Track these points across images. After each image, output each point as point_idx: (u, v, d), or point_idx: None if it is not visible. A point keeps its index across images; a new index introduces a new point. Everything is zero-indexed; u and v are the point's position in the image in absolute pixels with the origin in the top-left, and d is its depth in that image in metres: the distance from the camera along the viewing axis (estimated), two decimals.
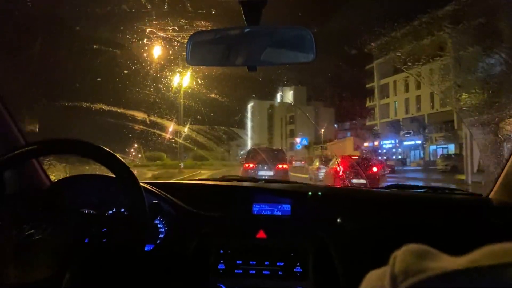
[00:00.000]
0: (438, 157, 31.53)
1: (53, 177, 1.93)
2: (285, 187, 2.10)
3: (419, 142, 33.99)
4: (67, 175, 1.82)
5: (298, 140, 43.45)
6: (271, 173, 13.75)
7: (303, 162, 31.49)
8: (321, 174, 15.24)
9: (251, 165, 13.90)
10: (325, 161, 16.49)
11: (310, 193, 1.97)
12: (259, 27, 1.31)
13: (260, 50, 1.37)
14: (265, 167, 13.93)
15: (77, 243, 1.25)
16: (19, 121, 1.82)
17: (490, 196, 1.86)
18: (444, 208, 1.83)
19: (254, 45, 1.37)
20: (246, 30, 1.33)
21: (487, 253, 0.37)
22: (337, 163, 12.82)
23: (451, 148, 32.87)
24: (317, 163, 17.78)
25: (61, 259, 1.19)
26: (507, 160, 1.77)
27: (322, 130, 44.16)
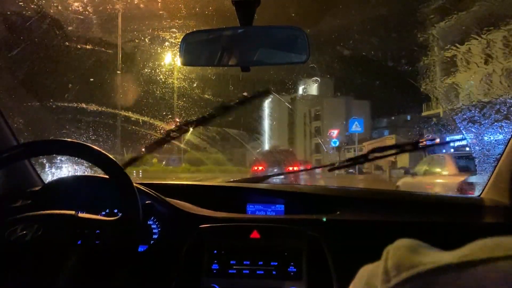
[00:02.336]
0: None
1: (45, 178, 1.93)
2: (278, 187, 2.10)
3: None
4: (60, 176, 1.81)
5: (334, 132, 30.02)
6: (281, 175, 12.95)
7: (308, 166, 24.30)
8: None
9: (260, 168, 12.68)
10: None
11: (303, 192, 1.97)
12: (253, 27, 1.31)
13: (254, 50, 1.37)
14: (275, 170, 12.56)
15: (70, 245, 1.24)
16: (11, 122, 1.81)
17: (482, 196, 1.87)
18: (436, 207, 1.84)
19: (248, 45, 1.37)
20: (240, 31, 1.33)
21: (479, 247, 0.37)
22: None
23: None
24: (442, 171, 8.68)
25: (53, 260, 1.18)
26: (498, 160, 1.79)
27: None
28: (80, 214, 1.30)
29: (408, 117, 37.52)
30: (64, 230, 1.24)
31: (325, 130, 42.42)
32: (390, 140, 33.01)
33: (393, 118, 41.76)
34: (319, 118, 45.85)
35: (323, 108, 44.38)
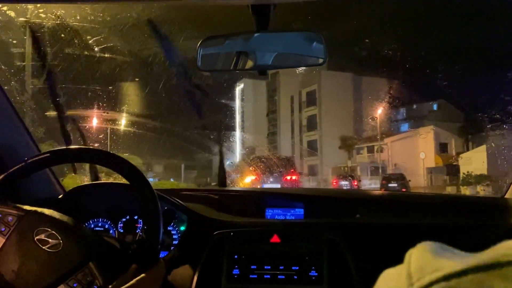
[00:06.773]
0: None
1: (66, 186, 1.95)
2: (297, 191, 2.10)
3: None
4: (81, 184, 1.83)
5: None
6: (277, 185, 12.00)
7: (354, 184, 17.99)
8: None
9: (253, 178, 11.71)
10: None
11: (323, 196, 1.96)
12: (269, 32, 1.32)
13: (270, 54, 1.37)
14: (271, 179, 12.26)
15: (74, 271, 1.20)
16: (32, 130, 1.84)
17: (506, 196, 1.84)
18: (459, 209, 1.81)
19: (265, 49, 1.37)
20: (256, 35, 1.34)
21: (504, 248, 0.36)
22: None
23: None
24: None
25: (67, 274, 1.17)
26: None
27: (377, 117, 23.63)
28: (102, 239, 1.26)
29: (435, 107, 27.98)
30: (80, 252, 1.21)
31: (323, 121, 28.64)
32: (427, 133, 23.91)
33: (414, 107, 29.08)
34: (314, 102, 30.19)
35: (321, 87, 29.19)
